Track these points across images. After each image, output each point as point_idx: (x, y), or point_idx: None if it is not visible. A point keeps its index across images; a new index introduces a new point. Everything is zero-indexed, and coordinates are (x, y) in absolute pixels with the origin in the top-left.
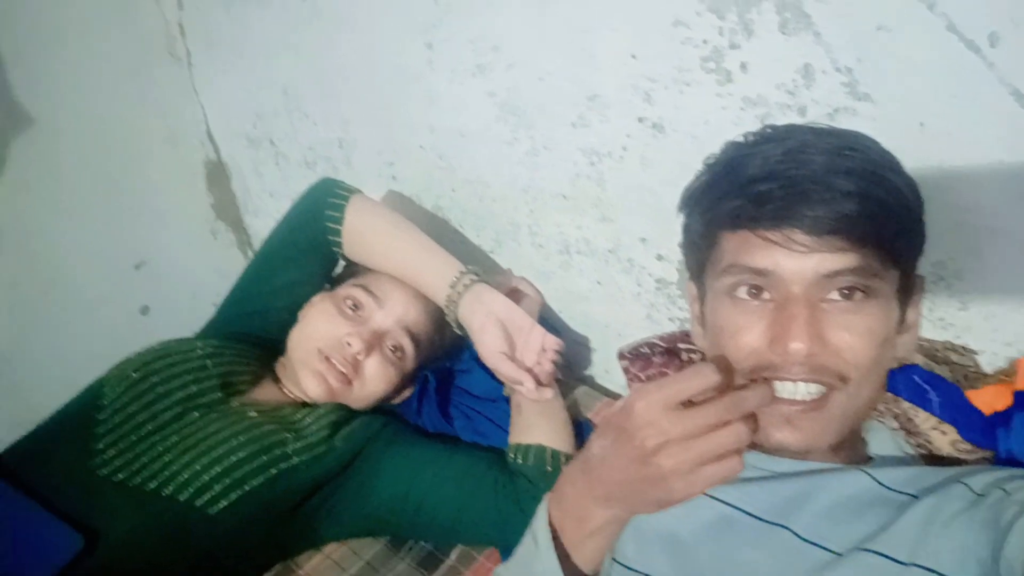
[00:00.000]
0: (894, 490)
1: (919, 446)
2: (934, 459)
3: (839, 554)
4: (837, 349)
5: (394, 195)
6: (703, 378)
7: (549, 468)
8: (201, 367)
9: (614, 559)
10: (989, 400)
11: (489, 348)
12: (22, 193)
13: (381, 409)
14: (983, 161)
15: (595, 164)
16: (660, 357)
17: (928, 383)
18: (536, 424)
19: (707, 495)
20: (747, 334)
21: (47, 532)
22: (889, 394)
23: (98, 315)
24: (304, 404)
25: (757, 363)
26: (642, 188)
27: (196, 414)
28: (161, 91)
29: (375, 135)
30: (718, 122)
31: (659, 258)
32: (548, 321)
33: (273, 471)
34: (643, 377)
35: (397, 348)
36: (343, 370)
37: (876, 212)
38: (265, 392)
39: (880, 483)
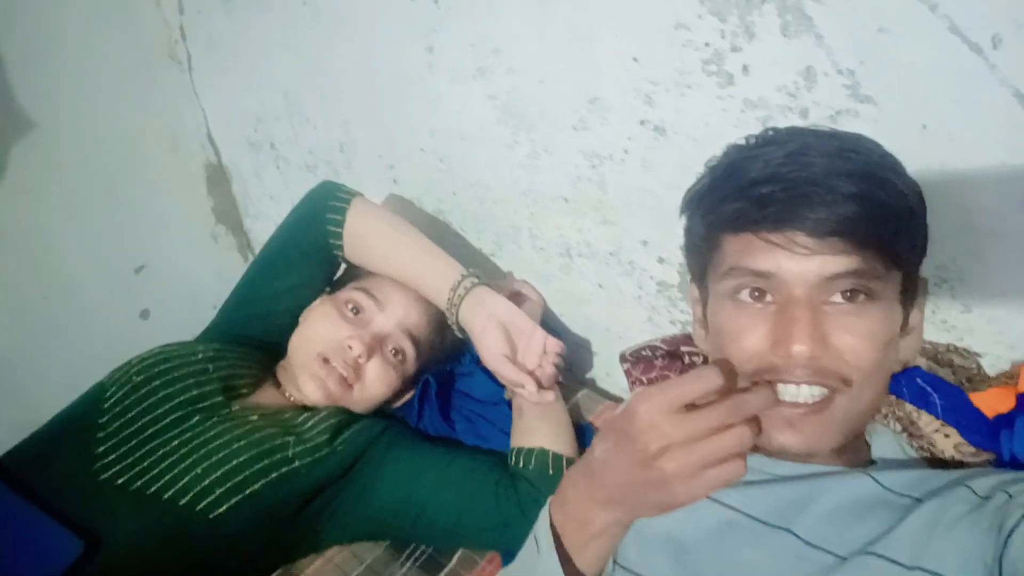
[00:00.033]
0: (897, 493)
1: (922, 449)
2: (937, 462)
3: (842, 558)
4: (839, 351)
5: (395, 198)
6: (706, 381)
7: (551, 471)
8: (202, 371)
9: (616, 562)
10: (992, 403)
11: (490, 351)
12: (22, 196)
13: (382, 412)
14: (986, 163)
15: (596, 167)
16: (662, 360)
17: (931, 385)
18: (538, 427)
19: (709, 498)
20: (749, 337)
21: (47, 536)
22: (892, 396)
23: (98, 319)
24: (305, 408)
25: (759, 366)
26: (643, 191)
27: (197, 418)
28: (162, 95)
29: (376, 138)
30: (719, 125)
31: (660, 261)
32: (549, 324)
33: (274, 475)
34: (645, 380)
35: (398, 351)
36: (344, 374)
37: (878, 214)
38: (266, 396)
39: (883, 486)
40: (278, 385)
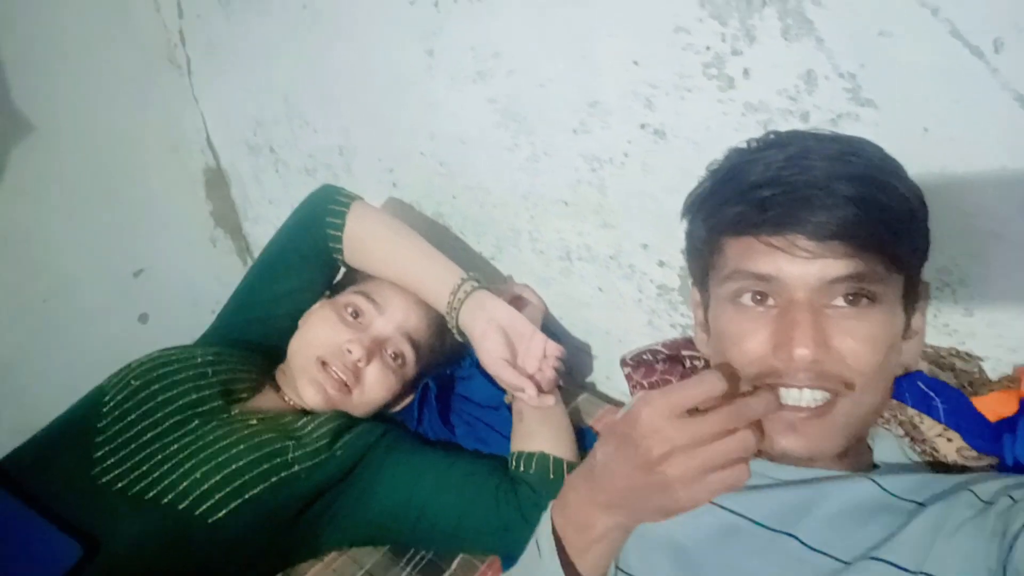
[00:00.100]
0: (901, 498)
1: (924, 453)
2: (939, 466)
3: (846, 562)
4: (841, 355)
5: (395, 202)
6: (709, 386)
7: (551, 476)
8: (201, 375)
9: (618, 567)
10: (994, 406)
11: (491, 355)
12: (22, 200)
13: (382, 416)
14: (987, 166)
15: (596, 170)
16: (663, 364)
17: (933, 389)
18: (538, 431)
19: (711, 503)
20: (751, 340)
21: (45, 541)
22: (894, 401)
23: (97, 322)
24: (305, 412)
25: (761, 370)
26: (643, 194)
27: (196, 422)
28: (161, 98)
29: (375, 142)
30: (719, 128)
31: (660, 264)
32: (549, 327)
33: (274, 479)
34: (646, 384)
35: (398, 355)
36: (343, 378)
37: (879, 217)
38: (265, 400)
39: (886, 490)
40: (277, 389)
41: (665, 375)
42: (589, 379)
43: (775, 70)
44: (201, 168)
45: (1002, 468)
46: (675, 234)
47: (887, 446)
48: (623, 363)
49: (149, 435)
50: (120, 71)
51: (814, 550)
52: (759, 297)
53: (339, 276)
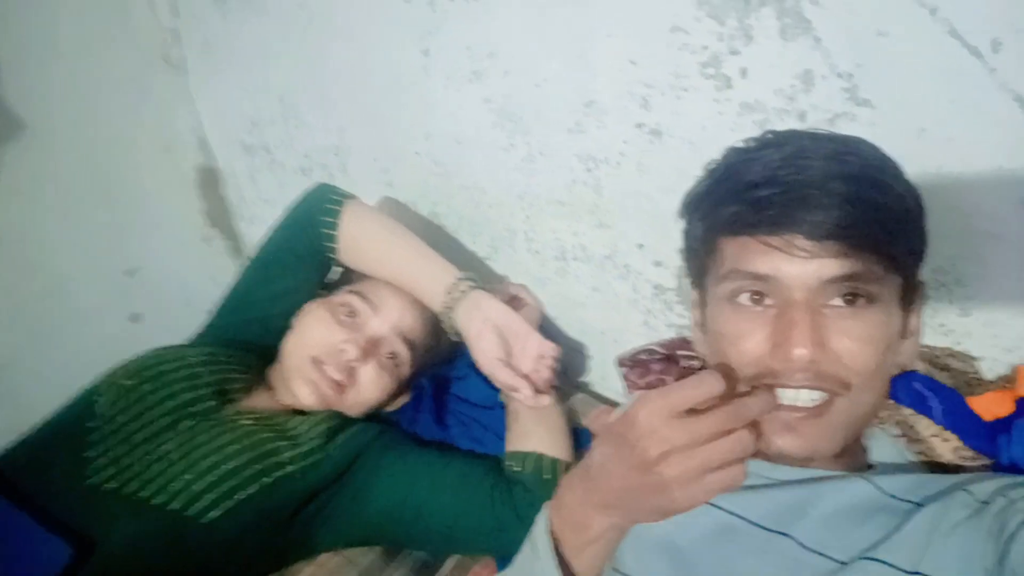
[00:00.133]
0: (897, 498)
1: (920, 453)
2: (935, 466)
3: (842, 563)
4: (838, 355)
5: (390, 201)
6: (707, 386)
7: (547, 476)
8: (194, 375)
9: (614, 568)
10: (990, 407)
11: (486, 355)
12: (14, 198)
13: (376, 416)
14: (984, 167)
15: (592, 170)
16: (659, 364)
17: (929, 390)
18: (533, 431)
19: (708, 503)
20: (749, 340)
21: (35, 543)
22: (890, 401)
23: (89, 322)
24: (298, 412)
25: (759, 370)
26: (639, 194)
27: (189, 422)
28: (156, 97)
29: (371, 142)
30: (716, 128)
31: (656, 264)
32: (544, 328)
33: (267, 479)
34: (642, 384)
35: (393, 355)
36: (337, 377)
37: (876, 217)
38: (259, 400)
39: (883, 491)
40: (271, 389)
41: (661, 375)
42: (584, 379)
43: (772, 70)
44: (195, 167)
45: (998, 468)
46: (671, 234)
47: (883, 446)
48: (619, 363)
49: (142, 435)
50: (115, 70)
51: (810, 550)
52: (756, 297)
53: (334, 275)
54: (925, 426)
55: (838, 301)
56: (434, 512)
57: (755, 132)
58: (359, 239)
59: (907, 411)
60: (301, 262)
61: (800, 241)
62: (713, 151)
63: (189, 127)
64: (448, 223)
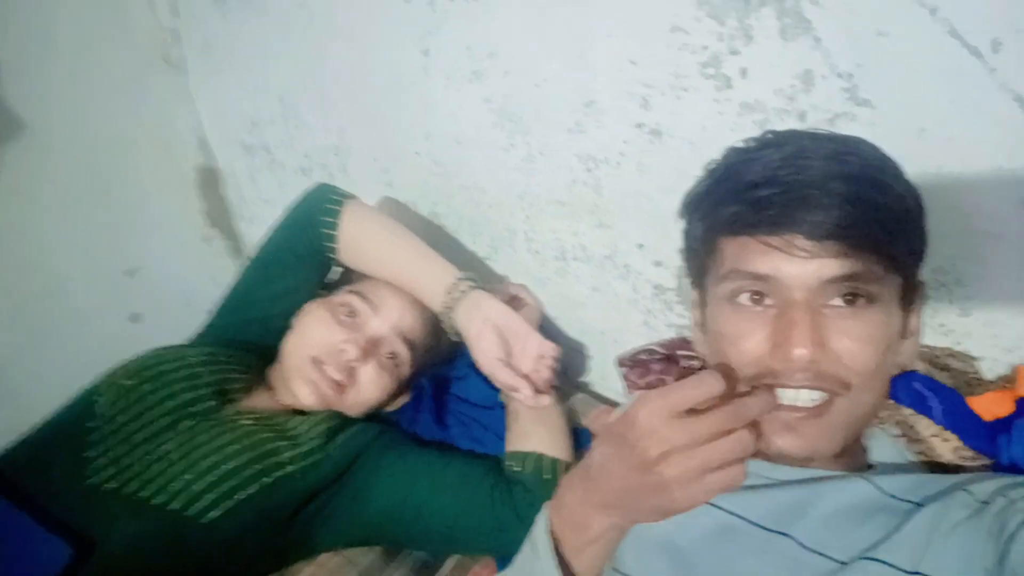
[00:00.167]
0: (897, 498)
1: (920, 453)
2: (935, 466)
3: (842, 563)
4: (838, 355)
5: (390, 201)
6: (707, 386)
7: (547, 476)
8: (194, 375)
9: (613, 568)
10: (989, 407)
11: (486, 355)
12: (14, 198)
13: (376, 416)
14: (984, 166)
15: (592, 170)
16: (659, 364)
17: (929, 390)
18: (533, 431)
19: (707, 503)
20: (749, 340)
21: (35, 543)
22: (890, 401)
23: (89, 322)
24: (298, 412)
25: (759, 370)
26: (639, 194)
27: (189, 422)
28: (155, 97)
29: (371, 142)
30: (716, 128)
31: (656, 264)
32: (544, 328)
33: (267, 479)
34: (642, 384)
35: (393, 355)
36: (337, 377)
37: (876, 217)
38: (259, 400)
39: (882, 491)
40: (271, 389)
41: (661, 375)
42: (584, 379)
43: (772, 70)
44: (194, 167)
45: (998, 468)
46: (671, 234)
47: (883, 446)
48: (619, 363)
49: (141, 435)
50: (114, 70)
51: (810, 550)
52: (756, 297)
53: (334, 275)
54: (925, 426)
55: (838, 301)
56: (434, 512)
57: (755, 132)
58: (359, 239)
59: (907, 411)
60: (301, 262)
61: (800, 241)
62: (713, 151)
63: (189, 127)
64: (448, 223)
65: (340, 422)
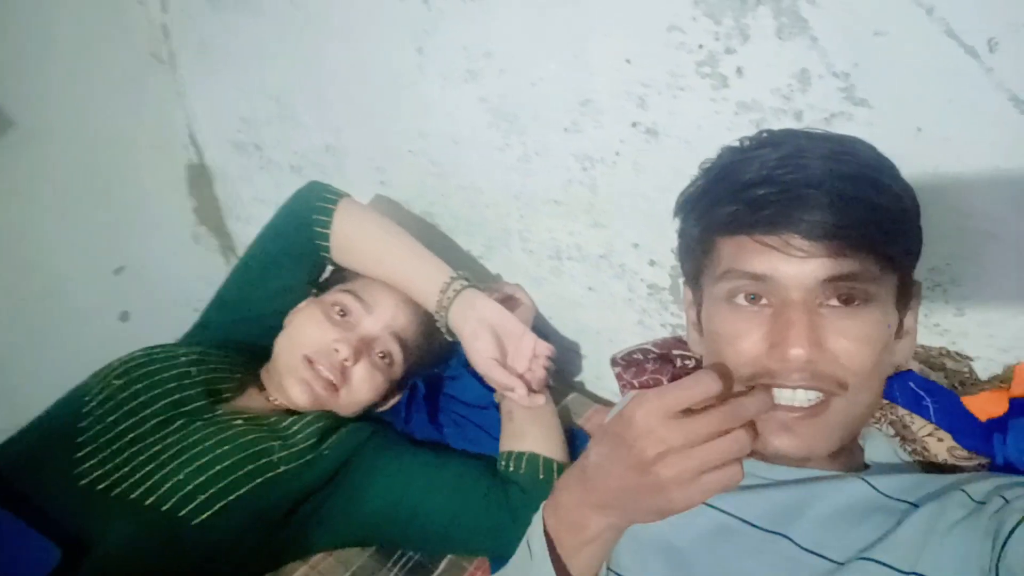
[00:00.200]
0: (893, 498)
1: (915, 453)
2: (930, 466)
3: (839, 563)
4: (835, 355)
5: (383, 200)
6: (704, 386)
7: (541, 476)
8: (185, 374)
9: (610, 568)
10: (984, 406)
11: (480, 354)
12: (10, 198)
13: (369, 416)
14: (981, 166)
15: (587, 170)
16: (653, 363)
17: (924, 389)
18: (528, 431)
19: (704, 503)
20: (745, 340)
21: (24, 544)
22: (885, 400)
23: (77, 320)
24: (290, 412)
25: (756, 370)
26: (635, 194)
27: (180, 422)
28: (151, 96)
29: (366, 141)
30: (712, 127)
31: (651, 264)
32: (539, 327)
33: (259, 480)
34: (636, 384)
35: (386, 355)
36: (330, 377)
37: (873, 217)
38: (250, 399)
39: (879, 491)
40: (262, 389)
41: (655, 375)
42: (579, 378)
43: (769, 69)
44: (184, 165)
45: (993, 468)
46: (666, 233)
47: (878, 446)
48: (613, 363)
49: (132, 435)
50: (109, 69)
51: (807, 551)
52: (753, 296)
53: (326, 274)
54: (920, 426)
55: (835, 301)
56: (430, 513)
57: (751, 131)
58: (353, 238)
59: (902, 411)
60: (294, 261)
61: (797, 241)
62: (709, 150)
63: (184, 126)
64: (443, 222)
65: (333, 422)
